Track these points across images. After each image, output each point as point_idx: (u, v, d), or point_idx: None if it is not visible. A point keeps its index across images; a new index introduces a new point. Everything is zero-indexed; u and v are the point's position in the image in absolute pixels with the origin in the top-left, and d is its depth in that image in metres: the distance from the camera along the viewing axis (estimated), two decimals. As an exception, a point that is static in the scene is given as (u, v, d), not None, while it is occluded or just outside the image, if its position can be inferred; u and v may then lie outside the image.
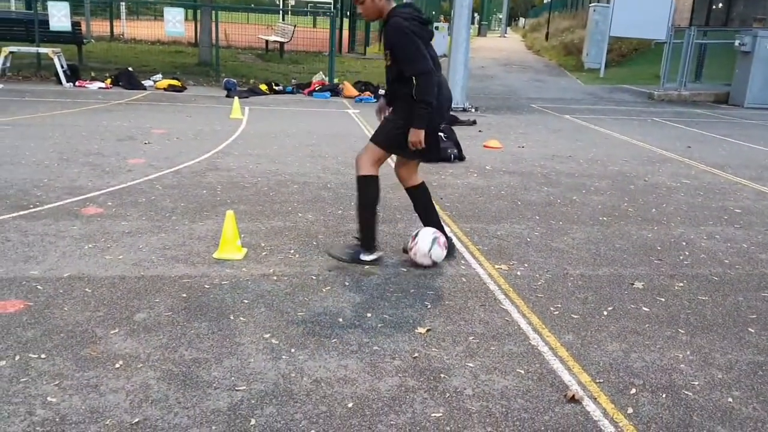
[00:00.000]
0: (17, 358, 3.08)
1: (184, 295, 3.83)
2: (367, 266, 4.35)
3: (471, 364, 3.22)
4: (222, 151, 7.78)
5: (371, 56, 25.51)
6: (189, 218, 5.22)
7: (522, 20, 64.48)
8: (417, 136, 4.04)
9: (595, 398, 2.98)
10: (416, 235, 4.40)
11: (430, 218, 4.53)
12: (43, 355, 3.11)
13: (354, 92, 13.44)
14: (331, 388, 2.95)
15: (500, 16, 58.02)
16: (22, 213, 5.14)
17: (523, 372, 3.18)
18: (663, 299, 4.12)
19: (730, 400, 3.02)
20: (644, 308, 3.97)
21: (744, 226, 5.73)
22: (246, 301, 3.79)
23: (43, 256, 4.30)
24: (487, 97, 15.03)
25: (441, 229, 4.50)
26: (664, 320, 3.83)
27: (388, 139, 4.18)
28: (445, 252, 4.39)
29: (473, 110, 12.21)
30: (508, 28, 55.09)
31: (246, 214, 5.36)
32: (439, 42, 28.50)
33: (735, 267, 4.73)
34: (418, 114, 3.98)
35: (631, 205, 6.27)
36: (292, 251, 4.62)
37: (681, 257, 4.89)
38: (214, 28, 15.89)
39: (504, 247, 4.91)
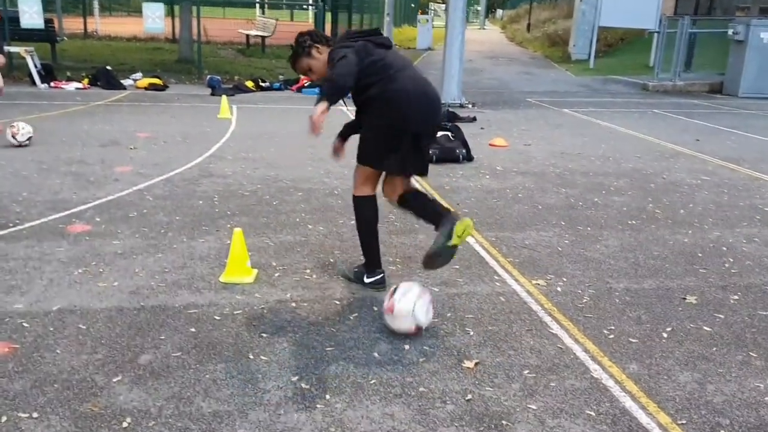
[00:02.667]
0: (4, 419, 2.60)
1: (193, 329, 3.37)
2: (371, 288, 3.92)
3: (533, 406, 2.80)
4: (214, 155, 7.28)
5: (354, 50, 25.05)
6: (186, 234, 4.74)
7: (500, 12, 64.10)
8: (313, 111, 3.22)
9: (684, 446, 2.58)
10: (394, 290, 3.38)
11: (436, 214, 3.75)
12: (35, 414, 2.63)
13: (344, 88, 12.94)
14: (381, 446, 2.52)
15: (478, 8, 57.64)
16: (0, 233, 4.62)
17: (593, 414, 2.77)
18: (722, 316, 3.73)
19: (838, 443, 2.64)
20: (705, 327, 3.58)
21: (781, 227, 5.37)
22: (265, 335, 3.33)
23: (28, 286, 3.80)
24: (480, 91, 14.61)
25: (448, 217, 3.66)
26: (731, 341, 3.44)
27: (365, 155, 3.77)
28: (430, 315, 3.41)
29: (470, 106, 11.79)
30: (486, 20, 54.75)
31: (250, 228, 4.89)
32: (424, 35, 28.20)
33: (787, 275, 4.37)
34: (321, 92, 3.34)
35: (656, 206, 5.89)
36: (307, 271, 4.16)
37: (726, 265, 4.51)
38: (195, 24, 15.28)
39: (536, 259, 4.50)
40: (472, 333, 3.43)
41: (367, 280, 3.95)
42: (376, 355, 3.18)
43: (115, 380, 2.88)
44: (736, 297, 3.99)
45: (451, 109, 10.35)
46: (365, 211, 3.88)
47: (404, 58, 3.76)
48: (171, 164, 6.77)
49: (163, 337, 3.27)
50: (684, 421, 2.73)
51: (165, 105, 10.92)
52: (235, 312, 3.57)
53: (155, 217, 5.09)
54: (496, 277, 4.17)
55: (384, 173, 3.84)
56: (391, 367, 3.07)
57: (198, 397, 2.79)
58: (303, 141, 8.25)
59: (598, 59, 20.45)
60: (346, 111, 10.90)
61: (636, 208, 5.81)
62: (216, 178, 6.29)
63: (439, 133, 7.51)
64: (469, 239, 4.78)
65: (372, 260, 3.95)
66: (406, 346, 3.27)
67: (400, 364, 3.10)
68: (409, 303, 3.28)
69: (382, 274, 3.97)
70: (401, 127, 3.59)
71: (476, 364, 3.12)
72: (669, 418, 2.75)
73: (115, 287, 3.82)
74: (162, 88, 12.59)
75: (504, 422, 2.69)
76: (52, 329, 3.31)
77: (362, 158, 3.80)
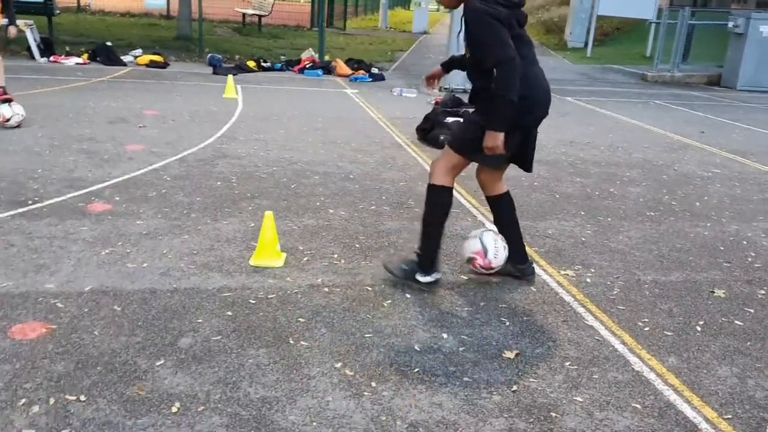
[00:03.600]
0: (52, 401, 2.57)
1: (229, 313, 3.34)
2: (423, 287, 3.75)
3: (579, 399, 2.80)
4: (226, 136, 7.20)
5: (351, 31, 24.84)
6: (210, 216, 4.69)
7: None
8: (494, 140, 3.36)
9: (732, 440, 2.60)
10: (468, 236, 3.92)
11: (512, 236, 3.87)
12: (82, 397, 2.60)
13: (347, 70, 12.86)
14: (435, 436, 2.51)
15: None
16: (20, 210, 4.56)
17: (639, 407, 2.78)
18: (752, 310, 3.75)
19: None
20: (737, 322, 3.60)
21: (797, 222, 5.41)
22: (302, 320, 3.31)
23: (56, 265, 3.75)
24: (480, 76, 14.53)
25: (523, 252, 3.92)
26: (764, 336, 3.46)
27: (464, 143, 3.56)
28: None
29: (474, 91, 11.75)
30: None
31: (272, 211, 4.84)
32: (420, 19, 28.03)
33: (809, 270, 4.40)
34: (495, 112, 3.35)
35: (672, 197, 5.91)
36: (335, 256, 4.14)
37: (749, 259, 4.53)
38: (194, 1, 15.07)
39: (561, 249, 4.50)
40: (507, 323, 3.43)
41: (421, 279, 3.69)
42: (415, 343, 3.17)
43: (158, 364, 2.85)
44: (763, 292, 4.02)
45: (456, 95, 10.29)
46: (439, 203, 3.64)
47: (530, 43, 3.52)
48: (183, 144, 6.69)
49: (200, 321, 3.24)
50: (729, 416, 2.75)
51: (168, 83, 10.78)
52: (269, 296, 3.55)
53: (175, 197, 5.03)
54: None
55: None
56: (432, 356, 3.06)
57: (244, 382, 2.77)
58: (311, 124, 8.19)
59: (595, 48, 20.43)
60: (351, 94, 10.86)
61: (652, 199, 5.82)
62: (231, 159, 6.23)
63: (451, 119, 7.49)
64: (492, 227, 4.76)
65: (431, 258, 3.69)
66: (444, 335, 3.26)
67: (441, 353, 3.09)
68: (479, 231, 3.88)
69: (438, 276, 3.75)
70: (520, 124, 3.48)
71: (517, 354, 3.12)
72: (714, 413, 2.77)
73: (145, 268, 3.78)
74: (163, 65, 12.42)
75: (553, 414, 2.69)
76: (87, 310, 3.27)
77: (459, 146, 3.57)
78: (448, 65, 3.94)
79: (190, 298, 3.46)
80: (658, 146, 8.19)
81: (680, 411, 2.77)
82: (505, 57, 3.25)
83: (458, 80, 11.69)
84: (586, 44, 20.63)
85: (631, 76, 16.36)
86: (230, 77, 10.25)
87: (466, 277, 3.94)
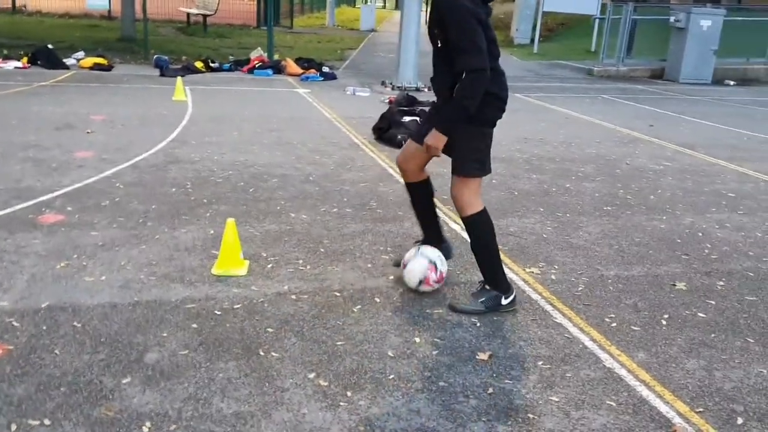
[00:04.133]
0: (14, 427, 2.45)
1: (195, 325, 3.24)
2: (509, 310, 3.57)
3: (555, 398, 2.81)
4: (177, 140, 7.03)
5: (298, 29, 24.63)
6: (167, 224, 4.56)
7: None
8: (436, 140, 3.28)
9: (705, 433, 2.64)
10: (407, 263, 3.70)
11: (431, 223, 3.90)
12: (46, 421, 2.49)
13: (297, 70, 12.73)
14: (416, 444, 2.48)
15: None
16: (-34, 224, 4.35)
17: (614, 404, 2.80)
18: (713, 302, 3.83)
19: None
20: (700, 314, 3.67)
21: (746, 213, 5.56)
22: (270, 330, 3.24)
23: (9, 282, 3.59)
24: (429, 75, 14.58)
25: (440, 237, 3.94)
26: (726, 327, 3.54)
27: (468, 160, 3.42)
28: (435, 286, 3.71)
29: (426, 89, 11.76)
30: (422, 2, 54.67)
31: (229, 216, 4.73)
32: (367, 16, 27.99)
33: (763, 260, 4.52)
34: (448, 114, 3.30)
35: (627, 192, 6.02)
36: (300, 261, 4.07)
37: (705, 251, 4.63)
38: (137, 0, 14.71)
39: (524, 246, 4.52)
40: (479, 324, 3.42)
41: (506, 302, 3.53)
42: (388, 349, 3.13)
43: (124, 382, 2.75)
44: (721, 283, 4.11)
45: (410, 93, 10.29)
46: (487, 228, 3.49)
47: (496, 39, 3.37)
48: (134, 149, 6.51)
49: (165, 335, 3.14)
50: (701, 409, 2.79)
51: (114, 86, 10.49)
52: (234, 306, 3.46)
53: (130, 205, 4.88)
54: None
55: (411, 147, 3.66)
56: (406, 362, 3.03)
57: (215, 397, 2.69)
58: (265, 125, 8.07)
59: (541, 44, 20.72)
60: (303, 94, 10.75)
61: (608, 194, 5.91)
62: (184, 164, 6.08)
63: (407, 119, 7.47)
64: (455, 226, 4.77)
65: (504, 278, 3.57)
66: (417, 339, 3.23)
67: (415, 358, 3.06)
68: (414, 251, 3.72)
69: (514, 291, 3.62)
70: (496, 119, 3.44)
71: (490, 356, 3.12)
72: (686, 407, 2.81)
73: (103, 282, 3.65)
74: (107, 68, 12.08)
75: (530, 415, 2.69)
76: (45, 328, 3.13)
77: (473, 168, 3.41)
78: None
79: (152, 311, 3.35)
80: (609, 141, 8.34)
81: (653, 406, 2.80)
82: (479, 66, 3.16)
83: (410, 78, 11.71)
84: (533, 40, 20.91)
85: (578, 71, 16.65)
86: (179, 79, 10.03)
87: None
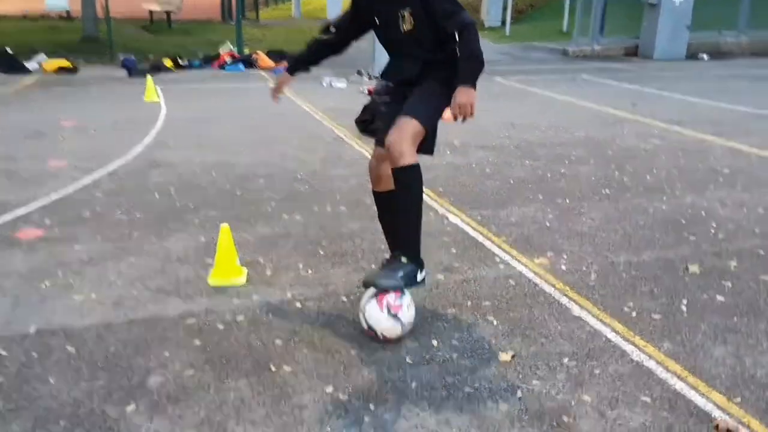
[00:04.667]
0: (13, 470, 2.24)
1: (198, 342, 3.05)
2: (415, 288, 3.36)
3: (587, 398, 2.67)
4: (155, 143, 6.78)
5: (265, 22, 24.24)
6: (155, 233, 4.34)
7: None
8: (468, 96, 2.93)
9: (748, 425, 2.51)
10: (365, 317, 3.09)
11: (398, 228, 3.35)
12: (48, 461, 2.28)
13: (270, 63, 12.48)
14: (451, 460, 2.32)
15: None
16: (-60, 245, 4.09)
17: (648, 400, 2.66)
18: (729, 284, 3.72)
19: None
20: (719, 297, 3.56)
21: (745, 189, 5.48)
22: (279, 342, 3.05)
23: (-8, 305, 3.35)
24: (405, 62, 14.39)
25: (415, 244, 3.32)
26: (748, 310, 3.42)
27: (433, 117, 3.14)
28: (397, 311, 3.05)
29: (403, 77, 11.60)
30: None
31: (220, 222, 4.51)
32: (334, 5, 27.62)
33: (770, 237, 4.43)
34: (468, 70, 2.98)
35: (622, 173, 5.91)
36: (300, 266, 3.88)
37: (712, 231, 4.53)
38: None
39: (529, 236, 4.38)
40: (495, 322, 3.27)
41: (420, 277, 3.18)
42: (405, 355, 2.96)
43: (129, 409, 2.55)
44: (734, 263, 4.00)
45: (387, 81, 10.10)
46: (420, 184, 3.10)
47: None
48: (110, 155, 6.25)
49: (167, 354, 2.94)
50: (738, 400, 2.67)
51: (82, 89, 10.16)
52: (237, 318, 3.27)
53: (113, 216, 4.65)
54: (497, 259, 4.02)
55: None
56: (426, 368, 2.87)
57: (230, 421, 2.50)
58: (244, 122, 7.84)
59: (512, 26, 20.64)
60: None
61: (604, 177, 5.80)
62: (165, 168, 5.84)
63: (392, 109, 7.27)
64: (456, 220, 4.62)
65: (418, 250, 3.19)
66: (434, 342, 3.07)
67: (435, 363, 2.90)
68: (368, 295, 3.11)
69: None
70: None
71: (513, 356, 2.96)
72: (723, 398, 2.68)
73: (93, 300, 3.43)
74: (73, 71, 11.72)
75: (565, 418, 2.54)
76: (36, 355, 2.91)
77: (428, 117, 3.09)
78: (294, 68, 3.56)
79: (150, 330, 3.14)
80: (595, 122, 8.24)
81: (690, 400, 2.67)
82: (470, 20, 3.03)
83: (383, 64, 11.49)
84: (504, 23, 20.81)
85: (553, 52, 16.58)
86: (149, 79, 9.73)
87: (441, 276, 3.75)
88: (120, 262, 3.88)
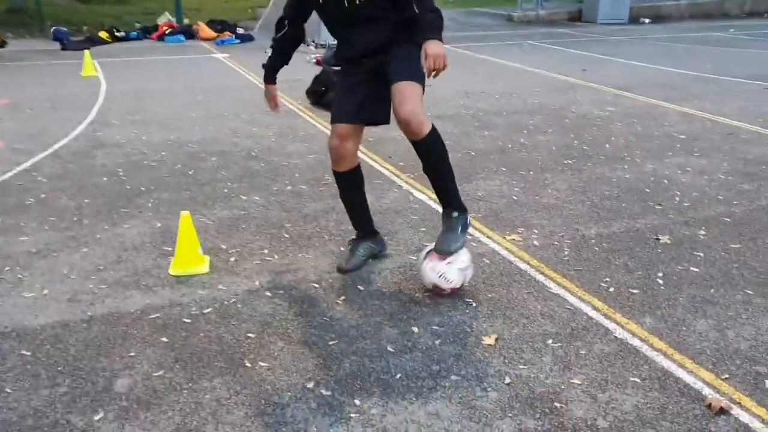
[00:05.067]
0: (-27, 495, 2.04)
1: (164, 339, 2.86)
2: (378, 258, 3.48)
3: (577, 381, 2.60)
4: (97, 121, 6.43)
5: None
6: (106, 220, 4.09)
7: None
8: (438, 48, 2.78)
9: (739, 403, 2.49)
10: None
11: (364, 215, 3.50)
12: (11, 482, 2.09)
13: (211, 33, 12.03)
14: (447, 456, 2.22)
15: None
16: None
17: (638, 380, 2.62)
18: (701, 254, 3.71)
19: None
20: (693, 269, 3.54)
21: (702, 155, 5.52)
22: (252, 335, 2.89)
23: (-67, 308, 3.08)
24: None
25: (374, 229, 3.56)
26: (723, 281, 3.42)
27: (421, 74, 2.96)
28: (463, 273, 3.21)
29: (351, 46, 11.35)
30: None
31: (175, 205, 4.32)
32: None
33: (733, 203, 4.45)
34: (431, 23, 2.83)
35: (581, 142, 5.88)
36: (265, 251, 3.70)
37: (677, 199, 4.53)
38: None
39: (497, 211, 4.30)
40: (474, 304, 3.17)
41: (470, 220, 3.38)
42: (386, 343, 2.84)
43: (97, 418, 2.37)
44: (702, 232, 4.00)
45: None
46: (442, 141, 3.11)
47: None
48: (50, 135, 5.89)
49: (132, 354, 2.75)
50: (726, 376, 2.65)
51: (13, 65, 9.59)
52: (204, 311, 3.08)
53: (59, 202, 4.36)
54: (468, 237, 3.91)
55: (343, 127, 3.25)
56: (409, 356, 2.76)
57: (208, 425, 2.34)
58: (190, 97, 7.51)
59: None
60: (222, 59, 10.08)
61: (564, 146, 5.75)
62: (111, 148, 5.53)
63: (346, 80, 7.07)
64: (421, 196, 4.50)
65: (461, 199, 3.31)
66: (415, 329, 2.96)
67: (418, 351, 2.79)
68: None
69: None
70: None
71: (496, 339, 2.88)
72: (711, 374, 2.65)
73: (46, 296, 3.19)
74: (0, 44, 11.04)
75: (556, 404, 2.47)
76: (-13, 362, 2.68)
77: (420, 75, 2.97)
78: (271, 76, 3.44)
79: (112, 327, 2.94)
80: (548, 89, 8.20)
81: (679, 378, 2.63)
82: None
83: (323, 34, 11.22)
84: (446, -12, 20.58)
85: (498, 18, 16.50)
86: (86, 52, 9.24)
87: (414, 257, 3.63)
88: (72, 253, 3.64)
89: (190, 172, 4.98)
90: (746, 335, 2.93)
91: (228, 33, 12.02)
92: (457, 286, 3.19)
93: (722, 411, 2.43)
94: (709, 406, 2.46)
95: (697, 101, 7.46)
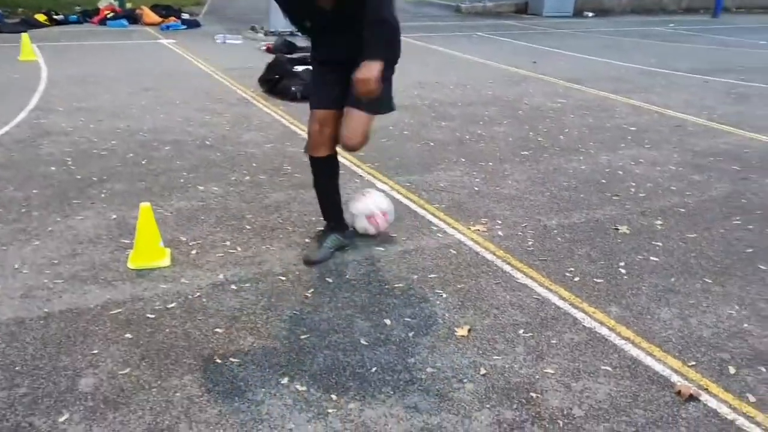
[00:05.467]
0: (-68, 505, 1.92)
1: (129, 335, 2.76)
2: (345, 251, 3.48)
3: (550, 371, 2.62)
4: (40, 108, 6.16)
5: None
6: (57, 211, 3.93)
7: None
8: (371, 71, 2.76)
9: (707, 389, 2.55)
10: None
11: (336, 205, 3.54)
12: (-26, 490, 1.97)
13: (156, 18, 11.69)
14: (429, 450, 2.21)
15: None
16: None
17: (609, 368, 2.65)
18: (660, 243, 3.80)
19: (830, 362, 2.76)
20: (652, 258, 3.62)
21: (653, 146, 5.65)
22: (220, 330, 2.81)
23: None
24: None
25: (344, 221, 3.61)
26: (682, 270, 3.50)
27: (384, 98, 3.07)
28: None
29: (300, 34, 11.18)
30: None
31: (130, 196, 4.18)
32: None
33: (686, 194, 4.57)
34: (375, 39, 2.79)
35: (536, 133, 5.94)
36: (228, 243, 3.61)
37: (632, 190, 4.62)
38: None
39: (460, 202, 4.30)
40: (444, 295, 3.16)
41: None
42: (359, 336, 2.81)
43: (62, 420, 2.26)
44: (659, 222, 4.09)
45: (287, 39, 9.71)
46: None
47: None
48: (-10, 122, 5.62)
49: (95, 351, 2.64)
50: (693, 363, 2.71)
51: (-56, 47, 9.12)
52: (168, 306, 2.99)
53: (4, 192, 4.17)
54: (433, 228, 3.91)
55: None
56: (383, 349, 2.73)
57: (181, 424, 2.27)
58: (138, 84, 7.29)
59: (403, -18, 20.45)
60: (168, 45, 9.82)
61: (520, 137, 5.80)
62: (57, 137, 5.31)
63: (300, 68, 6.98)
64: (384, 187, 4.47)
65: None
66: (387, 321, 2.93)
67: (392, 344, 2.77)
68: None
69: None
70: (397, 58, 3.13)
71: (469, 330, 2.88)
72: (678, 362, 2.71)
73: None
74: (-71, 26, 10.49)
75: (532, 394, 2.48)
76: (-62, 363, 2.53)
77: (385, 105, 3.14)
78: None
79: (71, 324, 2.82)
80: (500, 80, 8.26)
81: (648, 366, 2.68)
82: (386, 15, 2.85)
83: (283, 23, 11.04)
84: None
85: (446, 8, 16.56)
86: (24, 36, 8.85)
87: (381, 248, 3.60)
88: (23, 247, 3.47)
89: (143, 162, 4.82)
90: (708, 323, 3.00)
91: (173, 18, 11.70)
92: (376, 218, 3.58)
93: (691, 398, 2.49)
94: (679, 392, 2.52)
95: (644, 94, 7.63)
